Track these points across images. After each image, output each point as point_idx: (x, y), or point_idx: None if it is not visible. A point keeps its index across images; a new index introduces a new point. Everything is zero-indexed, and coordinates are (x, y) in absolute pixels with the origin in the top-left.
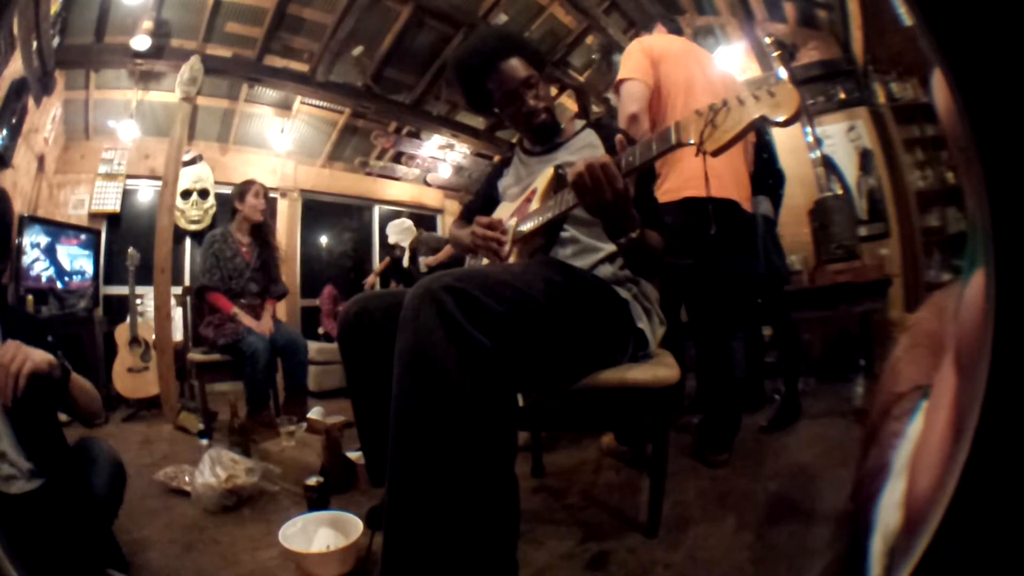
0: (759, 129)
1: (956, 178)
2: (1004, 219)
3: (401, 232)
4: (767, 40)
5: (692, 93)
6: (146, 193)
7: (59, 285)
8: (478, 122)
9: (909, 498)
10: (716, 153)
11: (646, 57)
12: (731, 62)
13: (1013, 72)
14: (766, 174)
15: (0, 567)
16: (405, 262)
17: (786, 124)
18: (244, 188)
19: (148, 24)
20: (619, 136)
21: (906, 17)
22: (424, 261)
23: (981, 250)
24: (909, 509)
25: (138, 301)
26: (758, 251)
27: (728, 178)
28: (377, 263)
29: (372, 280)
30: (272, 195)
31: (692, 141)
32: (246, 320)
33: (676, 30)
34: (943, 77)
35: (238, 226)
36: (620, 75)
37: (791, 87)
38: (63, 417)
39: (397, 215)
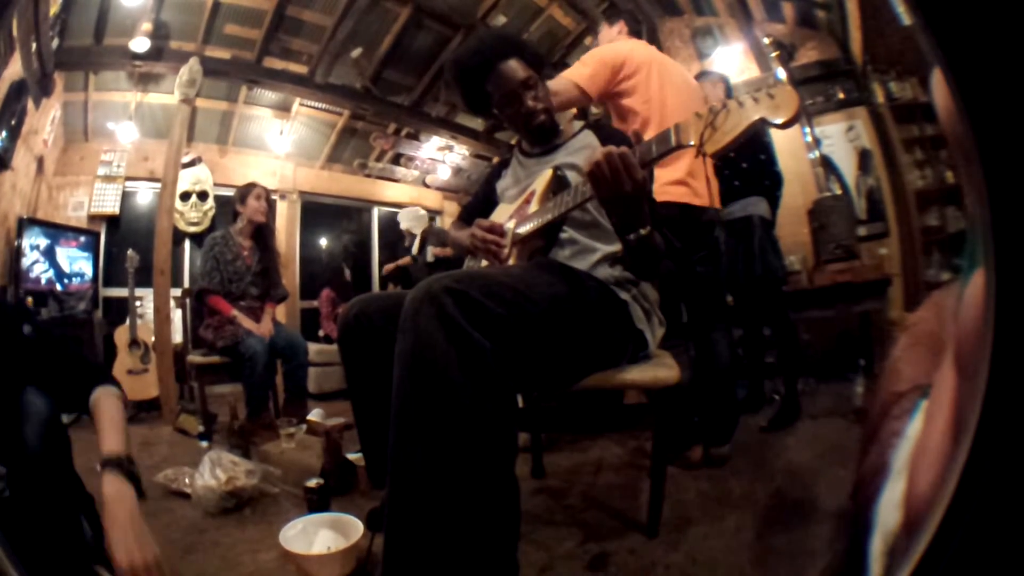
0: (758, 130)
1: (955, 177)
2: (1004, 219)
3: (415, 219)
4: (766, 40)
5: (665, 110)
6: (145, 195)
7: (58, 287)
8: (477, 124)
9: (909, 498)
10: (716, 155)
11: (605, 70)
12: (729, 62)
13: (1013, 72)
14: (764, 176)
15: (0, 567)
16: (414, 249)
17: (785, 126)
18: (245, 191)
19: (147, 26)
20: (634, 130)
21: (905, 16)
22: (432, 251)
23: (981, 250)
24: (909, 509)
25: (137, 303)
26: (720, 250)
27: (684, 181)
28: (377, 265)
29: (391, 267)
30: (271, 197)
31: (692, 143)
32: (246, 323)
33: (637, 32)
34: (942, 77)
35: (239, 229)
36: (572, 73)
37: (790, 89)
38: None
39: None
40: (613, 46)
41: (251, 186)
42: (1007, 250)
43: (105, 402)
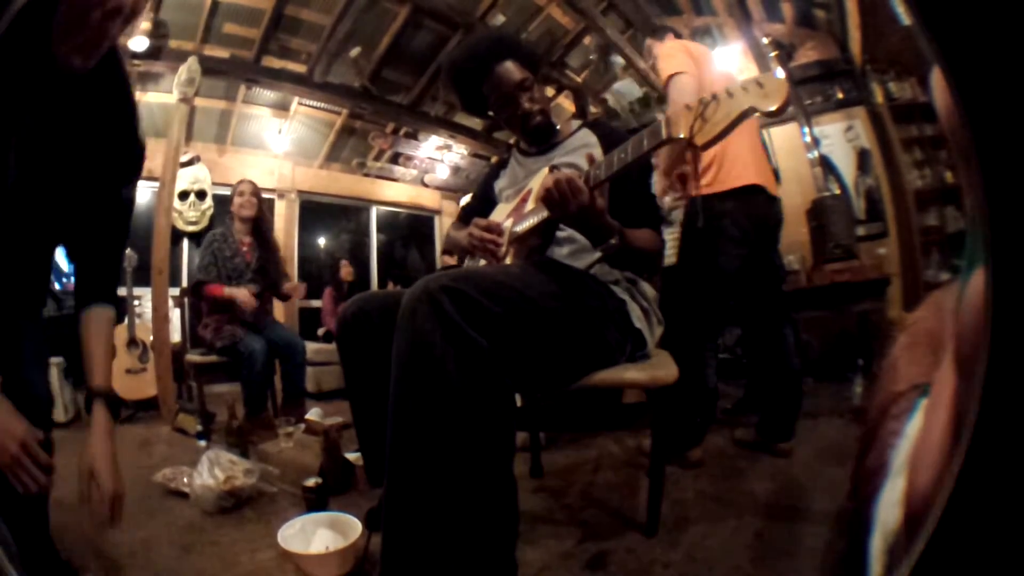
0: (748, 119)
1: (955, 177)
2: (1003, 218)
3: None
4: (765, 40)
5: None
6: (143, 194)
7: (57, 286)
8: (476, 123)
9: (909, 497)
10: (706, 146)
11: (689, 57)
12: (728, 62)
13: (1013, 71)
14: None
15: (0, 567)
16: None
17: (776, 114)
18: (233, 187)
19: (146, 25)
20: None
21: (904, 16)
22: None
23: (980, 250)
24: (909, 508)
25: (136, 302)
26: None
27: (752, 162)
28: (375, 264)
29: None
30: (269, 196)
31: (682, 135)
32: (236, 292)
33: (679, 37)
34: (942, 76)
35: (238, 226)
36: (669, 71)
37: (780, 78)
38: None
39: (395, 216)
40: (678, 40)
41: (238, 183)
42: (1006, 249)
43: (100, 327)
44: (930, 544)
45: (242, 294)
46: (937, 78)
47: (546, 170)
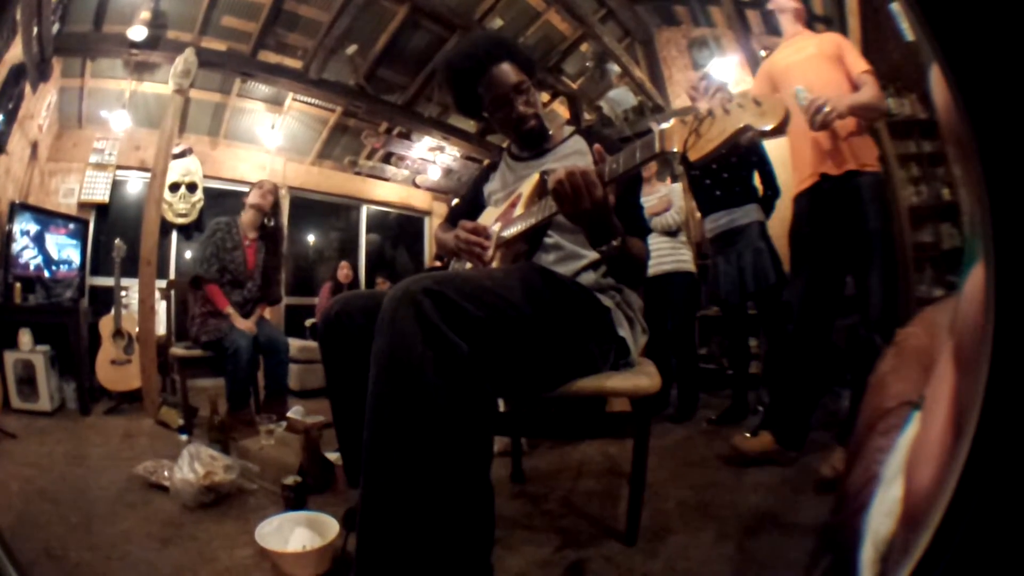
0: (756, 143)
1: (952, 193)
2: (1003, 213)
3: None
4: (762, 53)
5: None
6: (135, 184)
7: (46, 274)
8: (469, 125)
9: (908, 496)
10: (698, 162)
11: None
12: (725, 73)
13: (1011, 67)
14: (766, 187)
15: (0, 567)
16: None
17: (773, 134)
18: (254, 183)
19: (146, 14)
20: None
21: (908, 32)
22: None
23: (980, 246)
24: (908, 507)
25: (123, 293)
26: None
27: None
28: (363, 263)
29: None
30: (279, 193)
31: (676, 149)
32: (237, 322)
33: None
34: (941, 73)
35: (247, 218)
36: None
37: (778, 96)
38: None
39: (385, 216)
40: None
41: (260, 181)
42: (1006, 245)
43: None
44: (930, 546)
45: (242, 323)
46: (936, 75)
47: (537, 175)
